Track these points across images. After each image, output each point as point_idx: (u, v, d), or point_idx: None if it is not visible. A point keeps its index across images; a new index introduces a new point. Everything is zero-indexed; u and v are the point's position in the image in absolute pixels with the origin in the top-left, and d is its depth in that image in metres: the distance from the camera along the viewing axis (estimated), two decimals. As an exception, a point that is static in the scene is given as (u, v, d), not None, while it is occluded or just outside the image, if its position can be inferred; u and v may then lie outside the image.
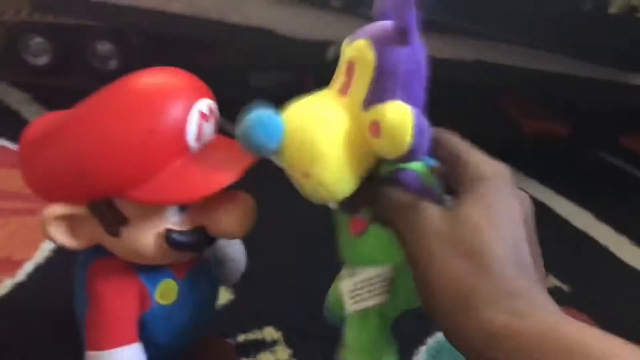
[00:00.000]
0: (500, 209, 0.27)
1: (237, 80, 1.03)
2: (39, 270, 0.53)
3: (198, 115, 0.33)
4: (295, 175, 0.28)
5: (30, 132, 0.34)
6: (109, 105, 0.33)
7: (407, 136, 0.26)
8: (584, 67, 0.67)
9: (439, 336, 0.51)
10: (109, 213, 0.33)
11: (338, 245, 0.34)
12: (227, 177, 0.33)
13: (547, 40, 0.66)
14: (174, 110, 0.32)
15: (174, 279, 0.38)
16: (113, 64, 0.93)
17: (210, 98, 0.35)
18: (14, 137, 0.76)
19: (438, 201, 0.29)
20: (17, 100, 0.89)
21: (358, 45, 0.29)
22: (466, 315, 0.25)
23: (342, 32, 0.68)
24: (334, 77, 0.31)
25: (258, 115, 0.27)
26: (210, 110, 0.35)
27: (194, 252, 0.37)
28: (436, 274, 0.26)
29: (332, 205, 0.34)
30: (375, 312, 0.33)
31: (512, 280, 0.25)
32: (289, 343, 0.49)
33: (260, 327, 0.50)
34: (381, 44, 0.28)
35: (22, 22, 0.89)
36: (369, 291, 0.31)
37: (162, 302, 0.37)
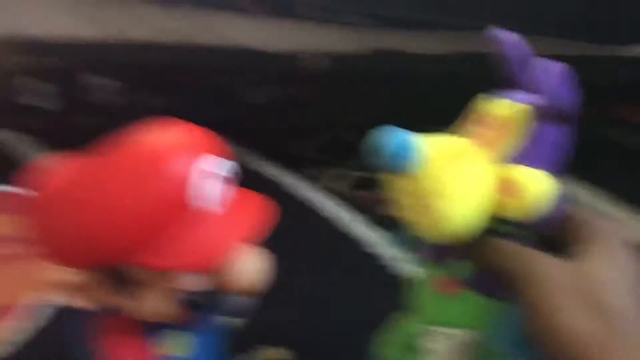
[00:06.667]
0: (623, 267, 0.26)
1: (228, 99, 1.03)
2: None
3: (199, 174, 0.32)
4: (410, 204, 0.28)
5: (50, 189, 0.32)
6: (111, 168, 0.31)
7: (542, 207, 0.26)
8: (568, 45, 0.66)
9: None
10: (121, 277, 0.32)
11: (410, 299, 0.33)
12: (240, 238, 0.32)
13: (527, 24, 0.66)
14: (170, 174, 0.31)
15: (184, 331, 0.36)
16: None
17: (216, 153, 0.33)
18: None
19: None
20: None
21: (519, 107, 0.29)
22: None
23: (315, 41, 0.68)
24: (473, 127, 0.31)
25: (399, 133, 0.26)
26: (218, 165, 0.33)
27: (210, 311, 0.36)
28: (563, 326, 0.25)
29: (415, 256, 0.33)
30: None
31: None
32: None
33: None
34: (542, 114, 0.28)
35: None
36: (459, 357, 0.31)
37: (173, 356, 0.36)
